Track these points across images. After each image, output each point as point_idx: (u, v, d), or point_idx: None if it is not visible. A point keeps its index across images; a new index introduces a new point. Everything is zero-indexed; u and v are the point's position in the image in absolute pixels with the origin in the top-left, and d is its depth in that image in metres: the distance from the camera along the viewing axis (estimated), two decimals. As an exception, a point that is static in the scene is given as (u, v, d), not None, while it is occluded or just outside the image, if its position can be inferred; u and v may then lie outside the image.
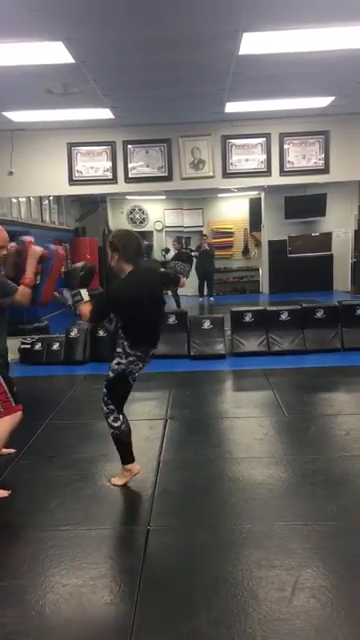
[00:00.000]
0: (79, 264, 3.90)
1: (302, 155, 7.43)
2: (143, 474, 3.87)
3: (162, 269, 8.17)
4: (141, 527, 3.20)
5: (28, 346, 7.77)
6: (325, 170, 7.50)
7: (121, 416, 3.66)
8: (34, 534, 3.22)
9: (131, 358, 3.56)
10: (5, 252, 3.67)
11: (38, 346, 7.78)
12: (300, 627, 2.33)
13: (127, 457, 3.76)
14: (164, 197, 15.15)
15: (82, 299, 3.62)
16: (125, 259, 3.50)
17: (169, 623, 2.40)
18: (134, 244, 3.53)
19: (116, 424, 3.64)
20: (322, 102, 6.68)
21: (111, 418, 3.64)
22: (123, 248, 3.49)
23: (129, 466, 3.76)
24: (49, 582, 2.74)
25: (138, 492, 3.71)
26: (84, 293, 3.65)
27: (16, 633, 2.36)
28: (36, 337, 7.98)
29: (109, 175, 7.49)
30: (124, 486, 3.75)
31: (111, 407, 3.64)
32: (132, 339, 3.55)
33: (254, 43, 4.54)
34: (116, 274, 3.63)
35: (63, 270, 3.92)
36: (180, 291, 11.39)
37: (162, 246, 15.59)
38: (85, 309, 3.53)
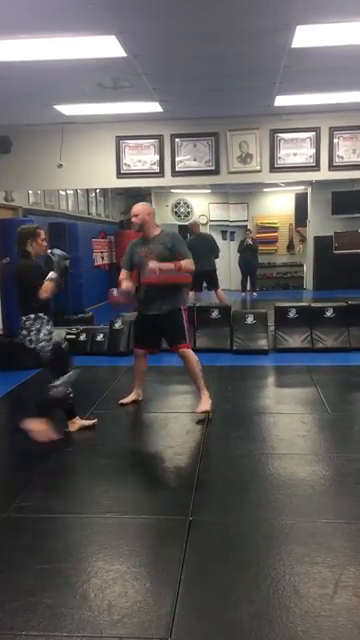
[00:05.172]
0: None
1: (352, 149, 7.28)
2: (185, 466, 3.89)
3: None
4: (183, 518, 3.23)
5: (73, 336, 7.89)
6: (376, 165, 7.34)
7: None
8: (79, 520, 3.30)
9: None
10: (136, 220, 4.51)
11: (83, 337, 7.91)
12: (342, 624, 2.32)
13: None
14: (209, 191, 15.09)
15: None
16: None
17: (211, 613, 2.42)
18: None
19: None
20: (374, 95, 6.53)
21: None
22: None
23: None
24: (93, 567, 2.80)
25: (180, 483, 3.74)
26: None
27: (60, 615, 2.43)
28: (81, 328, 8.12)
29: (156, 168, 7.50)
30: (165, 476, 3.79)
31: None
32: None
33: (307, 36, 4.47)
34: None
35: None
36: (222, 286, 11.21)
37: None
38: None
